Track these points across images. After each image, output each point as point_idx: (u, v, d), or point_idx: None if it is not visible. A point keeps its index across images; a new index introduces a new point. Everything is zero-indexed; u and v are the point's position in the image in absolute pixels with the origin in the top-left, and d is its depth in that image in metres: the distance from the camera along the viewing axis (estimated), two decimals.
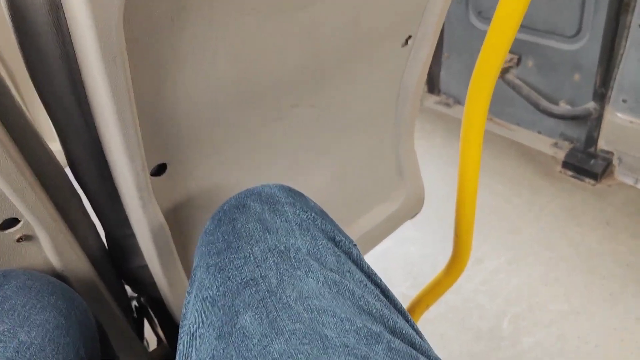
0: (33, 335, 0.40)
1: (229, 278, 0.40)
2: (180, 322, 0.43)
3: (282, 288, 0.37)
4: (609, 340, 1.19)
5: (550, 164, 1.76)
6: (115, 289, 0.58)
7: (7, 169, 0.38)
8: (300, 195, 0.49)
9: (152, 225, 0.51)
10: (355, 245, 0.47)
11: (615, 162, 1.66)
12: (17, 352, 0.38)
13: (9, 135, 0.37)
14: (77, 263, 0.51)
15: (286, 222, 0.44)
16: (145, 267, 0.57)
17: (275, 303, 0.36)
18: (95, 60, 0.34)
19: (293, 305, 0.36)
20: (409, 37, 0.65)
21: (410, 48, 0.66)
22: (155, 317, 0.67)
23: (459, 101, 2.11)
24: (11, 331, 0.39)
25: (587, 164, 1.66)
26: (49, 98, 0.40)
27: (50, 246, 0.47)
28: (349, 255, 0.45)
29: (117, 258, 0.57)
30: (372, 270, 0.45)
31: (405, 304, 1.04)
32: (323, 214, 0.48)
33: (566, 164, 1.71)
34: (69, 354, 0.42)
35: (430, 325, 1.25)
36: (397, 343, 0.36)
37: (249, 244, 0.41)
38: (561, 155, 1.75)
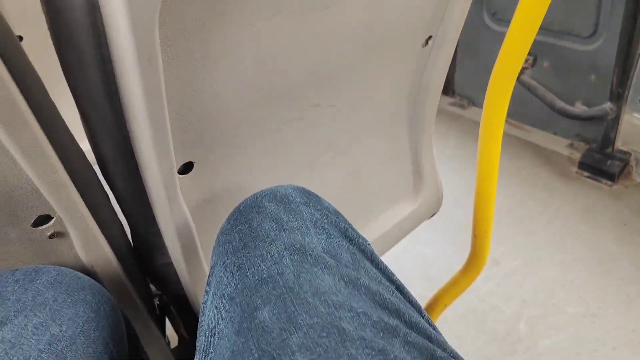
0: (64, 328, 0.41)
1: (246, 276, 0.40)
2: (199, 320, 0.44)
3: (299, 284, 0.38)
4: (627, 343, 1.18)
5: (566, 165, 1.75)
6: (140, 285, 0.59)
7: (44, 167, 0.39)
8: (314, 195, 0.50)
9: (178, 223, 0.52)
10: (369, 244, 0.48)
11: (632, 162, 1.64)
12: (50, 344, 0.39)
13: (46, 134, 0.38)
14: (105, 260, 0.52)
15: (301, 221, 0.45)
16: (169, 264, 0.57)
17: (292, 299, 0.37)
18: (131, 61, 0.35)
19: (310, 300, 0.37)
20: (430, 37, 0.65)
21: (430, 48, 0.67)
22: (178, 314, 0.68)
23: (474, 102, 2.10)
24: (44, 324, 0.40)
25: (603, 164, 1.65)
26: (82, 97, 0.41)
27: (80, 243, 0.48)
28: (363, 252, 0.45)
29: (142, 255, 0.58)
30: (387, 267, 0.46)
31: (422, 304, 1.04)
32: (337, 214, 0.49)
33: (582, 165, 1.70)
34: (99, 347, 0.43)
35: (447, 326, 1.25)
36: (413, 336, 0.37)
37: (266, 242, 0.42)
38: (577, 156, 1.74)
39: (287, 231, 0.43)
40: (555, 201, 1.61)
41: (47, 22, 0.36)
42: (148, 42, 0.34)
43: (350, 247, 0.45)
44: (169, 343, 0.71)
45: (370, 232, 0.81)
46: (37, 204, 0.42)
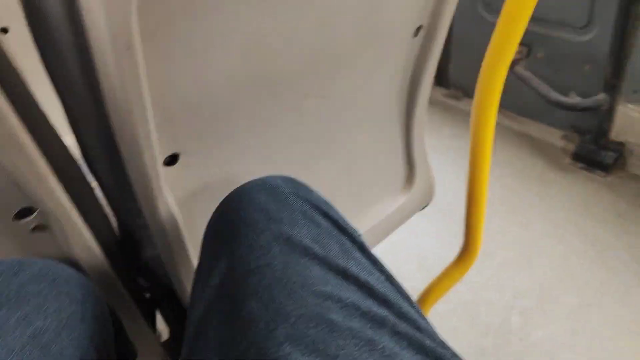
0: (49, 321, 0.40)
1: (234, 267, 0.40)
2: (187, 311, 0.44)
3: (287, 275, 0.38)
4: (623, 333, 1.19)
5: (560, 156, 1.75)
6: (127, 279, 0.58)
7: (22, 159, 0.38)
8: (304, 185, 0.50)
9: (165, 215, 0.51)
10: (360, 234, 0.48)
11: (626, 153, 1.64)
12: (34, 337, 0.39)
13: (25, 125, 0.38)
14: (90, 253, 0.51)
15: (290, 212, 0.44)
16: (157, 257, 0.57)
17: (280, 290, 0.37)
18: (108, 50, 0.35)
19: (298, 291, 0.37)
20: (420, 27, 0.65)
21: (421, 39, 0.66)
22: (167, 307, 0.67)
23: (468, 94, 2.10)
24: (27, 317, 0.40)
25: (597, 155, 1.65)
26: (62, 88, 0.41)
27: (64, 235, 0.47)
28: (354, 243, 0.45)
29: (129, 248, 0.58)
30: (377, 258, 0.45)
31: (415, 296, 1.05)
32: (327, 205, 0.49)
33: (576, 156, 1.70)
34: (84, 340, 0.42)
35: (440, 319, 1.26)
36: (402, 326, 0.37)
37: (254, 233, 0.42)
38: (571, 147, 1.74)
39: (275, 222, 0.43)
40: (549, 192, 1.61)
41: (23, 11, 0.36)
42: (125, 30, 0.34)
43: (340, 237, 0.45)
44: (159, 336, 0.71)
45: (362, 224, 0.81)
46: (18, 196, 0.42)
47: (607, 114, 1.61)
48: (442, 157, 1.83)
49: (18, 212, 0.43)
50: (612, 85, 1.56)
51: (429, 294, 0.99)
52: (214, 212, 0.47)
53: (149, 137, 0.43)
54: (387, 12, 0.59)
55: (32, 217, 0.44)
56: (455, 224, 1.52)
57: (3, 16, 0.82)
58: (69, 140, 0.46)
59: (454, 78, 2.12)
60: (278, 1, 0.46)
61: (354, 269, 0.41)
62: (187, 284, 0.59)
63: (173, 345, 0.72)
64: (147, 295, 0.71)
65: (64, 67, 0.39)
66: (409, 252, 1.46)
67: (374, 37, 0.60)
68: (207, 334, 0.38)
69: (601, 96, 1.60)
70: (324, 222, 0.45)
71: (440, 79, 2.15)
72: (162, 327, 0.72)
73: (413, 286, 1.33)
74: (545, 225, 1.50)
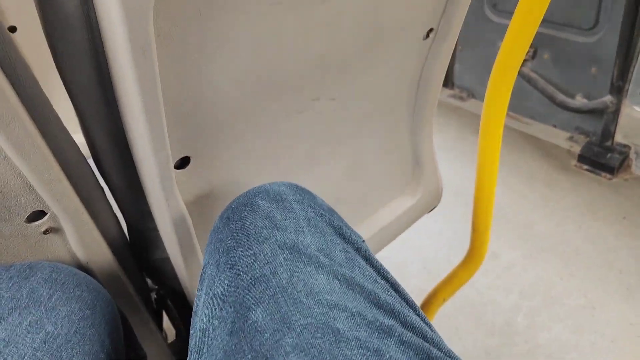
0: (59, 326, 0.40)
1: (239, 275, 0.40)
2: (192, 319, 0.43)
3: (292, 284, 0.38)
4: (626, 335, 1.18)
5: (566, 158, 1.75)
6: (136, 281, 0.58)
7: (37, 162, 0.38)
8: (308, 192, 0.49)
9: (175, 218, 0.51)
10: (363, 241, 0.47)
11: (632, 156, 1.64)
12: (45, 342, 0.38)
13: (38, 128, 0.37)
14: (101, 255, 0.51)
15: (295, 219, 0.44)
16: (166, 259, 0.57)
17: (286, 298, 0.36)
18: (124, 53, 0.34)
19: (304, 300, 0.36)
20: (431, 30, 0.64)
21: (431, 41, 0.66)
22: (175, 309, 0.67)
23: (473, 95, 2.09)
24: (38, 322, 0.39)
25: (603, 157, 1.65)
26: (75, 88, 0.40)
27: (75, 238, 0.47)
28: (358, 251, 0.45)
29: (138, 250, 0.57)
30: (381, 265, 0.45)
31: (420, 297, 1.04)
32: (331, 211, 0.48)
33: (582, 158, 1.69)
34: (95, 345, 0.42)
35: (446, 319, 1.25)
36: (408, 336, 0.36)
37: (258, 241, 0.42)
38: (577, 149, 1.73)
39: (280, 229, 0.42)
40: (555, 194, 1.61)
41: (37, 11, 0.35)
42: (142, 34, 0.33)
43: (345, 245, 0.44)
44: (166, 337, 0.71)
45: (369, 226, 0.80)
46: (30, 199, 0.41)
47: (613, 116, 1.61)
48: (447, 157, 1.82)
49: (30, 214, 0.43)
50: (618, 87, 1.56)
51: (435, 295, 0.99)
52: (217, 220, 0.47)
53: (162, 137, 0.43)
54: (396, 14, 0.58)
55: (44, 219, 0.44)
56: (458, 225, 1.52)
57: (11, 14, 0.82)
58: (77, 138, 0.45)
59: (459, 79, 2.11)
60: (288, 5, 0.45)
61: (359, 277, 0.40)
62: (195, 286, 0.59)
63: (180, 346, 0.72)
64: (154, 296, 0.71)
65: (77, 68, 0.38)
66: (412, 253, 1.46)
67: (383, 40, 0.60)
68: (211, 343, 0.38)
69: (607, 98, 1.59)
70: (328, 230, 0.45)
71: (445, 80, 2.14)
72: (165, 327, 0.72)
73: (417, 286, 1.33)
74: (550, 227, 1.49)
